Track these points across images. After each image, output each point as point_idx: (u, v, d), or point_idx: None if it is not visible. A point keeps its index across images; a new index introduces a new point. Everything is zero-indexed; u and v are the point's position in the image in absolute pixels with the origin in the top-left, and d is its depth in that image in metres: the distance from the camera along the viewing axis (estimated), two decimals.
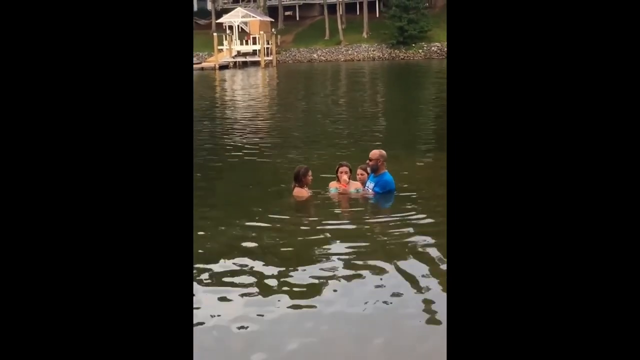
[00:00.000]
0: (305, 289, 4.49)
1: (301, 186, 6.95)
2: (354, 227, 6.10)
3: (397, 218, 6.29)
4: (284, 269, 4.91)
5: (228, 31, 50.60)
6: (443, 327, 3.79)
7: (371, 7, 55.95)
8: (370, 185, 7.02)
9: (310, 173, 6.99)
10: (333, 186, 7.09)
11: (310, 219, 6.56)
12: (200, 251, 5.23)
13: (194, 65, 38.26)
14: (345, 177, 7.00)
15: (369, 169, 7.08)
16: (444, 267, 4.74)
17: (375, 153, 6.98)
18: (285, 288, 4.51)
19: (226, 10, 55.99)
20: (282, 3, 59.53)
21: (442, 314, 3.99)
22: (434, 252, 5.20)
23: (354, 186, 7.07)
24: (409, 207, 6.63)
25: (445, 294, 4.24)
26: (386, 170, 7.00)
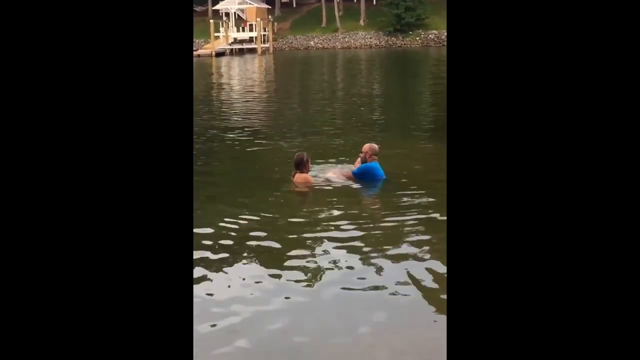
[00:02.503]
0: (304, 283, 4.50)
1: (302, 172, 7.03)
2: (353, 217, 6.11)
3: (396, 207, 6.30)
4: (281, 261, 4.92)
5: (224, 18, 50.32)
6: (443, 325, 3.81)
7: None
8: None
9: (309, 160, 7.17)
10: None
11: (310, 206, 6.58)
12: (199, 239, 5.24)
13: None
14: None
15: (359, 160, 7.40)
16: (443, 258, 4.76)
17: (366, 146, 7.38)
18: (283, 281, 4.52)
19: None
20: None
21: (442, 310, 4.00)
22: (432, 242, 5.22)
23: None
24: (407, 195, 6.65)
25: (445, 287, 4.26)
26: (375, 161, 7.24)
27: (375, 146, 7.40)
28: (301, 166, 7.04)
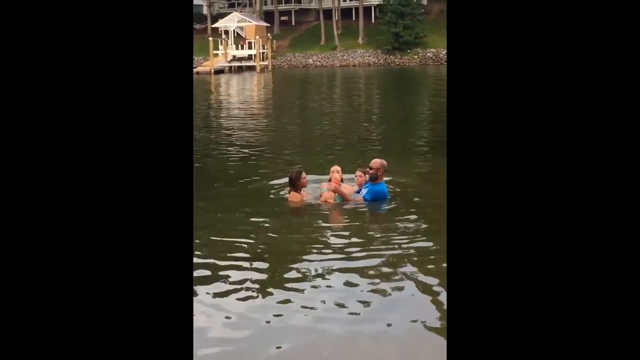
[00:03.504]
0: (299, 296, 4.44)
1: (296, 190, 6.92)
2: (348, 233, 6.04)
3: (392, 224, 6.23)
4: (276, 275, 4.86)
5: (224, 36, 50.68)
6: (443, 337, 3.75)
7: (367, 12, 56.14)
8: (363, 191, 7.00)
9: (303, 175, 6.97)
10: (325, 186, 7.08)
11: (304, 224, 6.50)
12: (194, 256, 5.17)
13: None
14: (336, 175, 7.03)
15: (367, 176, 7.01)
16: (442, 273, 4.70)
17: (376, 162, 6.90)
18: (278, 296, 4.46)
19: (222, 15, 56.08)
20: (278, 8, 59.62)
21: (441, 323, 3.94)
22: (430, 258, 5.15)
23: (347, 189, 7.06)
24: (405, 213, 6.58)
25: (443, 301, 4.20)
26: (383, 181, 6.97)
27: (385, 162, 6.96)
28: (294, 184, 6.93)
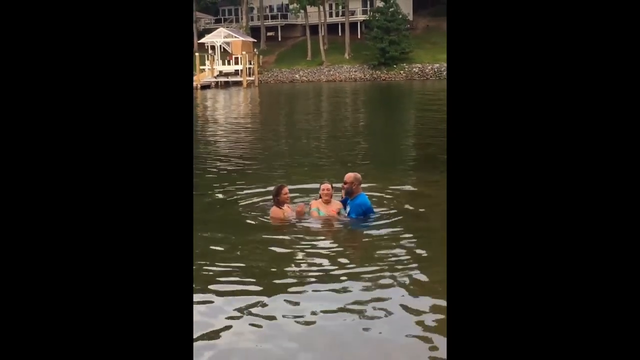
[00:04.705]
0: (288, 309, 4.39)
1: (278, 205, 6.82)
2: (332, 248, 5.99)
3: (379, 235, 6.20)
4: (262, 291, 4.80)
5: (210, 51, 50.73)
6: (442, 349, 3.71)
7: (353, 28, 56.49)
8: (347, 209, 6.87)
9: (284, 190, 6.82)
10: (315, 205, 6.92)
11: (285, 240, 6.43)
12: None
13: None
14: (328, 198, 6.86)
15: (343, 192, 6.89)
16: (433, 281, 4.68)
17: (350, 176, 6.78)
18: (266, 310, 4.41)
19: (208, 31, 56.17)
20: (265, 24, 59.86)
21: (436, 333, 3.91)
22: (420, 269, 5.13)
23: (336, 206, 6.93)
24: (392, 225, 6.55)
25: (437, 312, 4.17)
26: (361, 192, 6.83)
27: (359, 175, 6.87)
28: (275, 199, 6.82)
